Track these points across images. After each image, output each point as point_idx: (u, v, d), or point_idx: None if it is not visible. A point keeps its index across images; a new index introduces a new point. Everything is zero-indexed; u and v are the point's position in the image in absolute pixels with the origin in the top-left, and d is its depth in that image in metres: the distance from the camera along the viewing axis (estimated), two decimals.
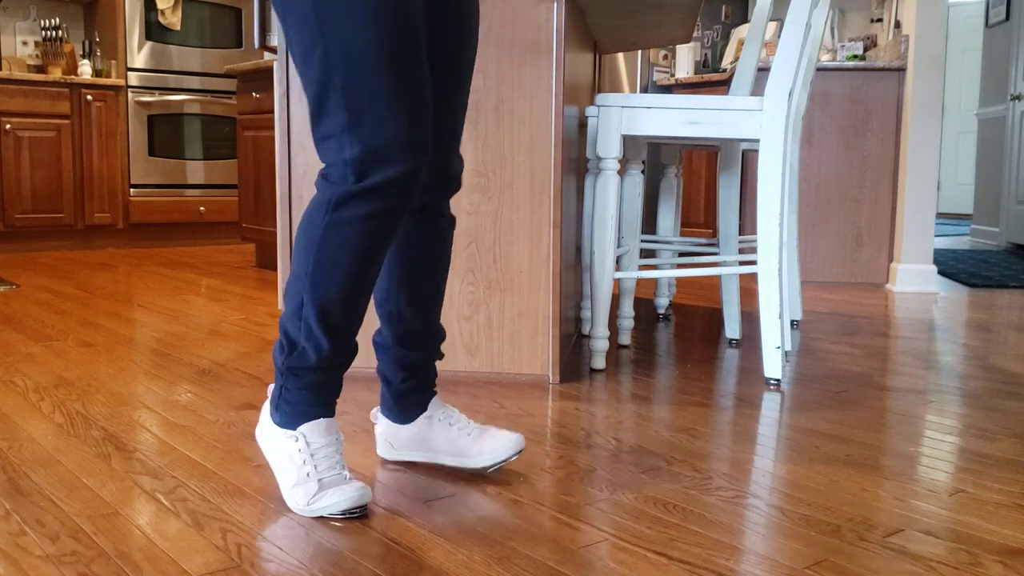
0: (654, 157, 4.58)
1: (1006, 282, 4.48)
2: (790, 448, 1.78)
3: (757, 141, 2.44)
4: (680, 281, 4.28)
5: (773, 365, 2.27)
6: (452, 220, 1.57)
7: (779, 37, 3.30)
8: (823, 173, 4.32)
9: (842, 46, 4.64)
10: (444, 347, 2.26)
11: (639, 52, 5.27)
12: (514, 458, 1.57)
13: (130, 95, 5.57)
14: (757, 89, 4.13)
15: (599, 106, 2.32)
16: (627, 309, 2.75)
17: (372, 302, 1.70)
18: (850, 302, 3.80)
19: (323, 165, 1.35)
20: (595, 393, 2.18)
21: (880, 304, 3.76)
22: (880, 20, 4.83)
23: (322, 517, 1.38)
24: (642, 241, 3.11)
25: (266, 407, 1.46)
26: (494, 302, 2.24)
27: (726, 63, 5.86)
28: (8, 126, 5.18)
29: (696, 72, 6.13)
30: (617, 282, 3.31)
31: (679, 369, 2.46)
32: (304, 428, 1.40)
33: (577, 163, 2.63)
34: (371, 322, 2.20)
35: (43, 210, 5.33)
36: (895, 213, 4.28)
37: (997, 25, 6.87)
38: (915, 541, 1.33)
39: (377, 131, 1.29)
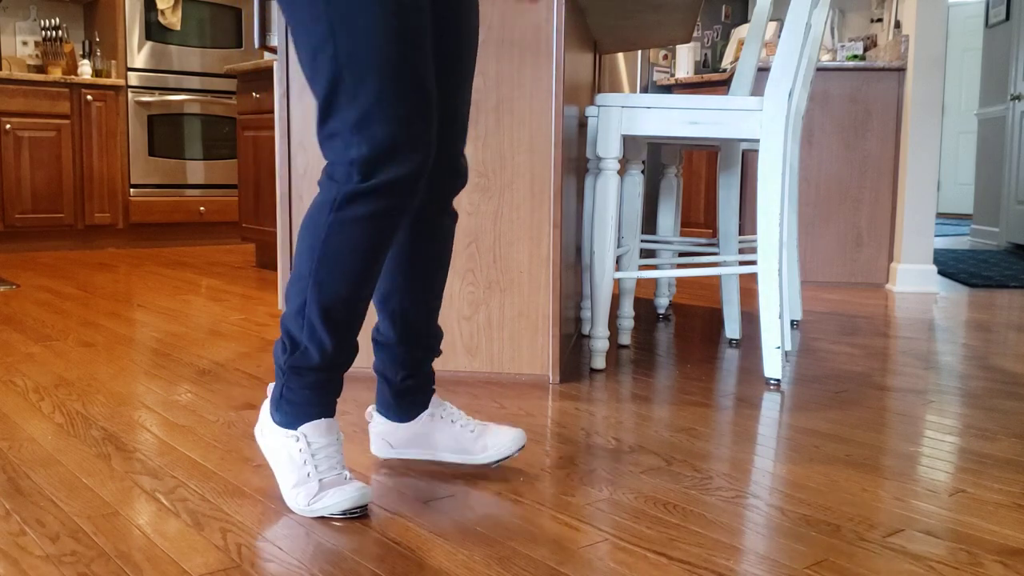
0: (654, 157, 4.58)
1: (1006, 282, 4.48)
2: (790, 448, 1.78)
3: (757, 141, 2.44)
4: (680, 281, 4.28)
5: (773, 365, 2.27)
6: (455, 215, 1.57)
7: (779, 37, 3.30)
8: (823, 173, 4.32)
9: (842, 46, 4.64)
10: (444, 347, 2.27)
11: (639, 52, 5.27)
12: (517, 453, 1.58)
13: (130, 95, 5.57)
14: (757, 89, 4.13)
15: (599, 106, 2.32)
16: (627, 309, 2.75)
17: (372, 300, 1.70)
18: (850, 302, 3.80)
19: (325, 164, 1.35)
20: (595, 393, 2.18)
21: (880, 304, 3.76)
22: (880, 20, 4.83)
23: (322, 517, 1.38)
24: (642, 241, 3.11)
25: (266, 406, 1.46)
26: (494, 302, 2.24)
27: (726, 63, 5.86)
28: (8, 126, 5.18)
29: (696, 72, 6.13)
30: (617, 282, 3.31)
31: (679, 369, 2.46)
32: (305, 428, 1.40)
33: (577, 163, 2.63)
34: (370, 321, 2.20)
35: (43, 210, 5.33)
36: (895, 213, 4.28)
37: (997, 25, 6.87)
38: (915, 541, 1.33)
39: (384, 131, 1.29)
